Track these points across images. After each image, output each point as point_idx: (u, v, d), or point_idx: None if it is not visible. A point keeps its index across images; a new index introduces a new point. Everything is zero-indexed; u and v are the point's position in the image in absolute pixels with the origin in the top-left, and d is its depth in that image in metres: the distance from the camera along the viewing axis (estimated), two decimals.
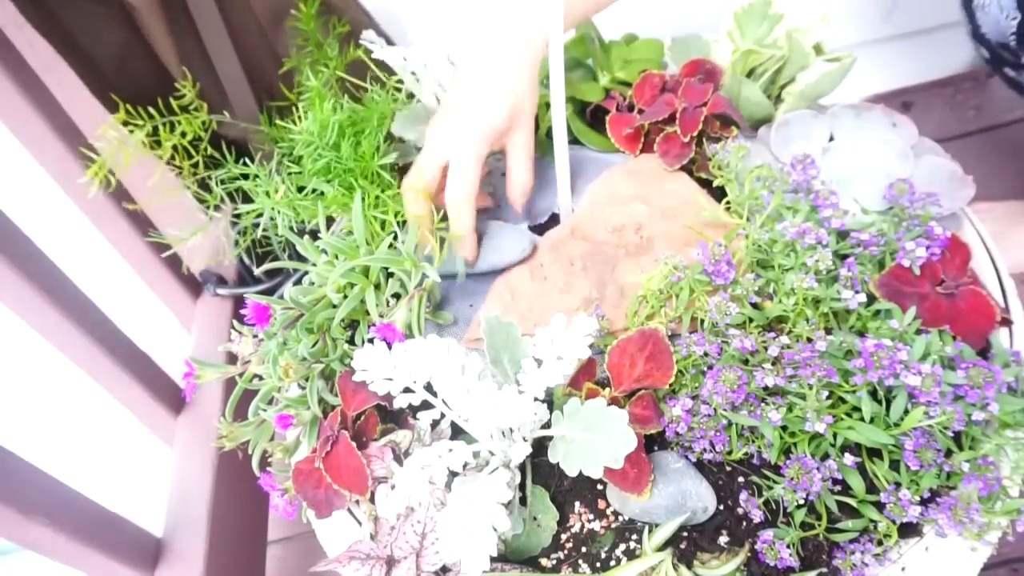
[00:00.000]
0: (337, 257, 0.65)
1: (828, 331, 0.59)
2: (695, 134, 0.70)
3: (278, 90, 0.78)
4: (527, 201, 0.72)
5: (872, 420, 0.53)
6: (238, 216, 0.75)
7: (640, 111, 0.77)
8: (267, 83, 0.79)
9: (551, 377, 0.54)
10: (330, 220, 0.71)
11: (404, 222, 0.70)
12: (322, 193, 0.68)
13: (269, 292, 0.84)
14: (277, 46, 0.81)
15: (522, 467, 0.58)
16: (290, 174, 0.69)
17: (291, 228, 0.68)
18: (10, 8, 0.72)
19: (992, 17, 0.67)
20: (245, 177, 0.71)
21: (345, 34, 0.80)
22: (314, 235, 0.67)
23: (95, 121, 0.83)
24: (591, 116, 0.83)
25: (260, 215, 0.68)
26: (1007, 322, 0.63)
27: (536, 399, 0.54)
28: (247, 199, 0.70)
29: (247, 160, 0.72)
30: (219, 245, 0.80)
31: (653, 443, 0.60)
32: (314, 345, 0.62)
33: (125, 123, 0.71)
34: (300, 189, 0.69)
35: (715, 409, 0.55)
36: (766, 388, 0.54)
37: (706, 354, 0.57)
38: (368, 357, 0.55)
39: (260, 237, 0.77)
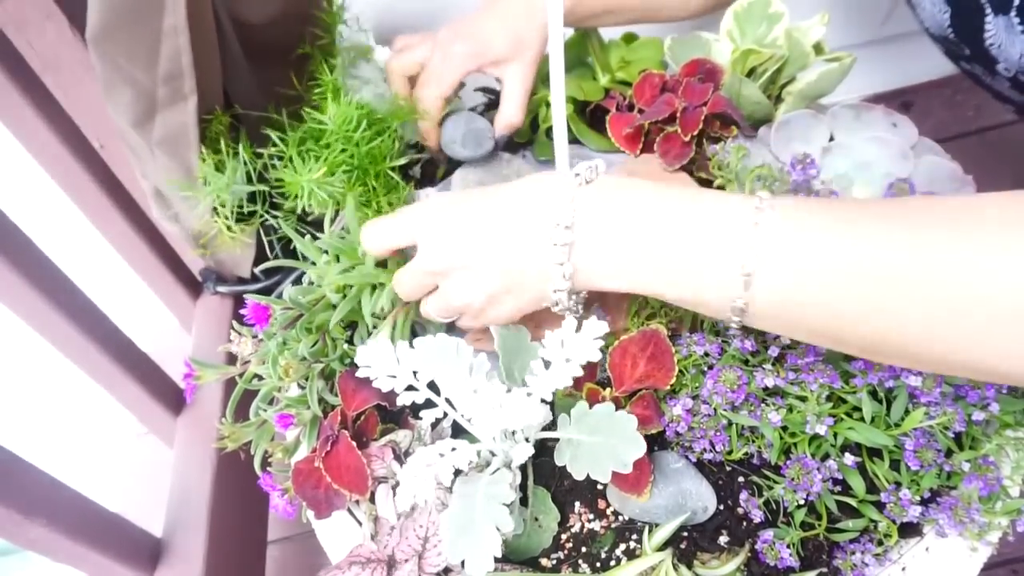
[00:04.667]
0: (338, 258, 0.65)
1: None
2: (695, 134, 0.70)
3: (284, 81, 0.78)
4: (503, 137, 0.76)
5: (873, 420, 0.53)
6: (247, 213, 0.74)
7: (640, 111, 0.77)
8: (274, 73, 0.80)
9: (559, 379, 0.54)
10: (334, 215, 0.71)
11: None
12: (345, 180, 0.68)
13: (268, 291, 0.83)
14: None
15: (523, 467, 0.58)
16: (317, 159, 0.68)
17: (293, 226, 0.68)
18: (10, 8, 0.71)
19: (928, 12, 0.67)
20: (261, 160, 0.70)
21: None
22: (314, 235, 0.67)
23: (95, 121, 0.83)
24: (591, 116, 0.83)
25: (269, 199, 0.68)
26: None
27: (543, 400, 0.54)
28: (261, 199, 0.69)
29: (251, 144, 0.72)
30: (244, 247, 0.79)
31: (653, 443, 0.60)
32: (314, 345, 0.62)
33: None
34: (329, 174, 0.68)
35: (715, 409, 0.55)
36: (766, 388, 0.54)
37: (706, 354, 0.57)
38: (372, 354, 0.55)
39: (266, 243, 0.77)
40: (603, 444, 0.51)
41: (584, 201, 0.48)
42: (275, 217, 0.70)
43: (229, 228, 0.72)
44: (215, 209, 0.72)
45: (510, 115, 0.72)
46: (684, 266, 0.46)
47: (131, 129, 0.69)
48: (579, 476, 0.51)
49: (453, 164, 0.80)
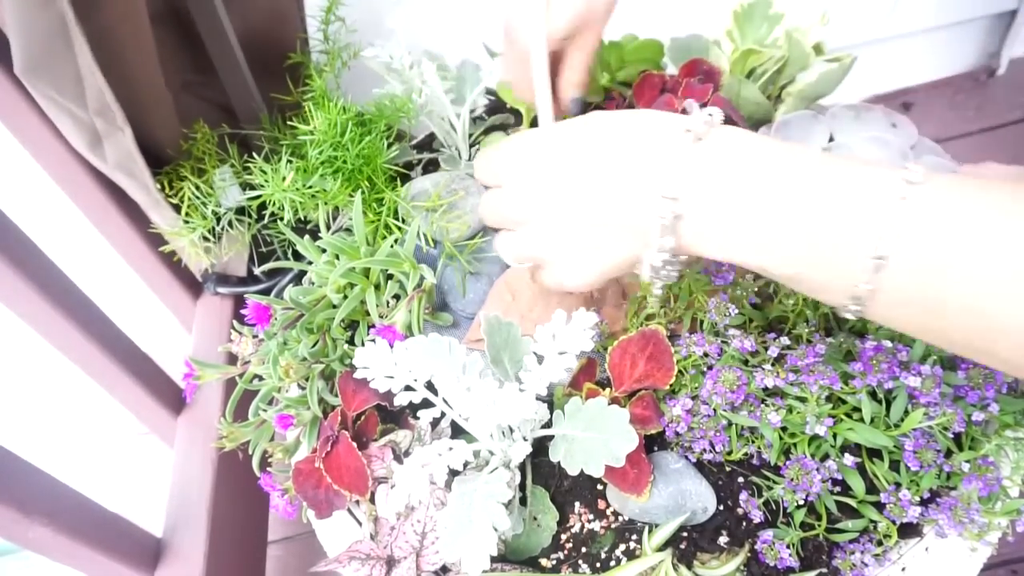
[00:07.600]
0: (338, 257, 0.65)
1: (828, 332, 0.59)
2: None
3: (281, 85, 0.78)
4: (576, 99, 0.67)
5: (872, 421, 0.53)
6: (241, 211, 0.75)
7: None
8: (270, 79, 0.79)
9: (553, 373, 0.54)
10: (332, 217, 0.71)
11: (403, 222, 0.70)
12: (325, 189, 0.68)
13: (268, 291, 0.83)
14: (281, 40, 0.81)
15: (522, 467, 0.58)
16: (297, 170, 0.69)
17: (291, 227, 0.68)
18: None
19: None
20: (247, 170, 0.71)
21: None
22: (314, 235, 0.67)
23: None
24: None
25: (265, 206, 0.68)
26: None
27: (537, 397, 0.54)
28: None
29: (252, 155, 0.72)
30: (231, 243, 0.80)
31: (653, 443, 0.60)
32: (314, 345, 0.62)
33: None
34: (306, 184, 0.69)
35: (715, 409, 0.55)
36: (766, 389, 0.54)
37: (706, 354, 0.57)
38: (370, 355, 0.55)
39: (261, 238, 0.77)
40: (596, 439, 0.51)
41: (694, 166, 0.42)
42: (272, 223, 0.70)
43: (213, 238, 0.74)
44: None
45: (574, 78, 0.65)
46: (806, 242, 0.39)
47: (87, 153, 0.70)
48: (573, 471, 0.51)
49: None
